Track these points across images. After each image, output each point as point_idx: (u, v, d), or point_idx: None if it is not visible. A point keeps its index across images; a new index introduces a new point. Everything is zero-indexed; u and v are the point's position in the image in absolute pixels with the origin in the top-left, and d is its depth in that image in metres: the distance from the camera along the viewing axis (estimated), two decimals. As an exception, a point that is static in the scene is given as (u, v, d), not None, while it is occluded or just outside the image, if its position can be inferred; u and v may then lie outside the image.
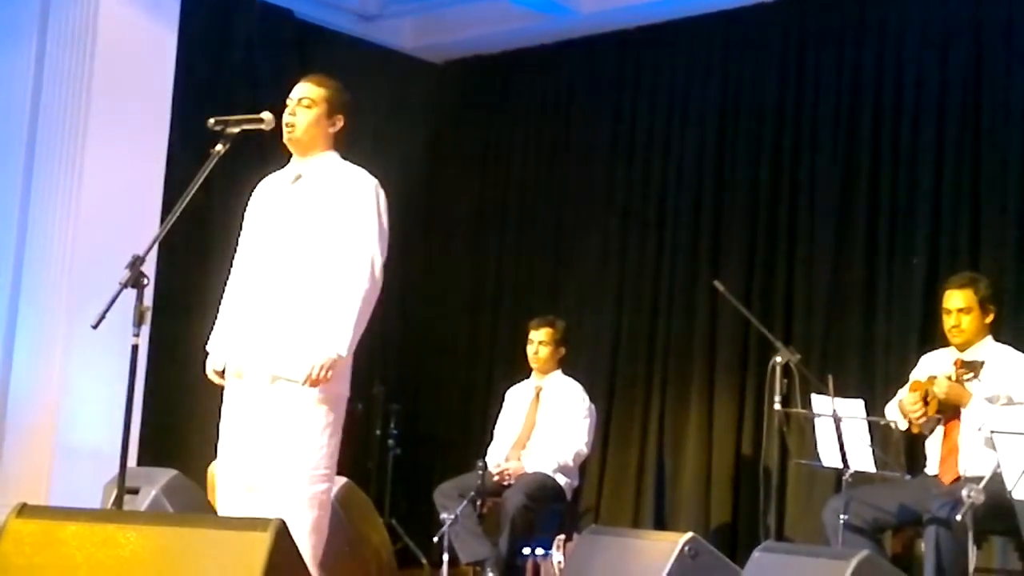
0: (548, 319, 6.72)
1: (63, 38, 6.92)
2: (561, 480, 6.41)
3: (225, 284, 4.43)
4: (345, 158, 4.40)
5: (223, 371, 4.30)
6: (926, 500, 5.04)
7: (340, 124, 4.37)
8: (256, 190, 4.47)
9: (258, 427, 4.16)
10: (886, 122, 6.95)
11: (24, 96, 7.01)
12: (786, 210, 7.25)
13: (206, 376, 4.35)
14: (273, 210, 4.33)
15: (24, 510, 3.31)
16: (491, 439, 6.78)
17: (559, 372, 6.73)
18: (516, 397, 6.81)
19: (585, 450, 6.56)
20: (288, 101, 4.35)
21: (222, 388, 4.33)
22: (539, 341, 6.66)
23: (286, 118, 4.31)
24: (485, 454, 6.57)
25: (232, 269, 4.42)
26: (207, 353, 4.35)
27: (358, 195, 4.25)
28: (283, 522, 3.10)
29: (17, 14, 7.12)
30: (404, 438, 7.65)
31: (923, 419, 5.29)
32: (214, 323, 4.40)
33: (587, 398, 6.63)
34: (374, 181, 4.31)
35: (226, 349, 4.28)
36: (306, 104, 4.32)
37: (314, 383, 4.07)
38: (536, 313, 6.91)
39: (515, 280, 8.33)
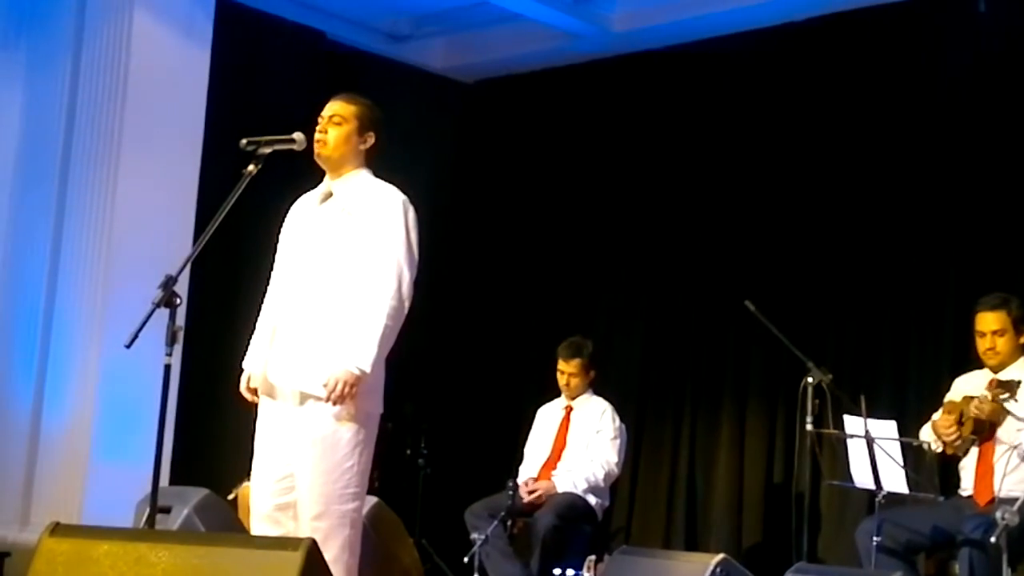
0: (575, 346, 6.67)
1: (96, 59, 6.99)
2: (592, 500, 6.39)
3: (260, 303, 4.45)
4: (377, 175, 4.40)
5: (256, 389, 4.31)
6: (960, 522, 5.00)
7: (371, 141, 4.36)
8: (291, 210, 4.49)
9: (289, 446, 4.17)
10: (916, 139, 6.93)
11: (58, 117, 7.08)
12: (818, 229, 7.23)
13: (238, 395, 4.36)
14: (304, 229, 4.34)
15: (57, 529, 3.33)
16: (521, 458, 6.77)
17: (590, 391, 6.72)
18: (547, 416, 6.80)
19: (616, 470, 6.54)
20: (319, 119, 4.37)
21: (255, 407, 4.34)
22: (570, 373, 6.64)
23: (317, 135, 4.32)
24: (516, 474, 6.56)
25: (267, 288, 4.43)
26: (242, 371, 4.36)
27: (386, 211, 4.25)
28: (314, 541, 3.11)
29: (51, 36, 7.20)
30: (434, 457, 7.65)
31: (958, 440, 5.26)
32: (248, 342, 4.42)
33: (617, 418, 6.62)
34: (403, 197, 4.30)
35: (259, 368, 4.29)
36: (336, 121, 4.33)
37: (338, 399, 4.06)
38: (566, 333, 6.89)
39: (545, 299, 8.33)
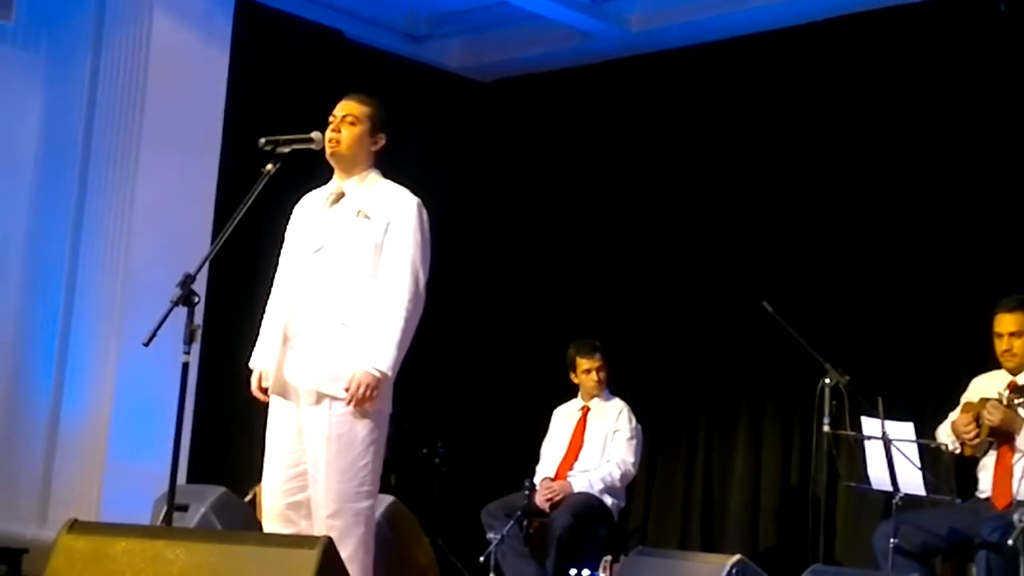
0: (590, 344, 6.69)
1: (116, 59, 7.02)
2: (608, 501, 6.39)
3: (267, 301, 4.45)
4: (387, 176, 4.41)
5: (267, 388, 4.31)
6: (977, 524, 4.98)
7: (382, 142, 4.39)
8: (297, 207, 4.49)
9: (302, 445, 4.18)
10: (935, 140, 6.91)
11: (78, 116, 7.11)
12: (836, 230, 7.21)
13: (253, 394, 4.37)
14: (317, 230, 4.34)
15: (75, 526, 3.34)
16: (538, 458, 6.77)
17: (606, 391, 6.72)
18: (563, 417, 6.80)
19: (632, 471, 6.54)
20: (331, 118, 4.37)
21: (268, 406, 4.35)
22: (597, 368, 6.65)
23: (329, 134, 4.32)
24: (532, 474, 6.56)
25: (273, 286, 4.43)
26: (250, 371, 4.37)
27: (401, 214, 4.27)
28: (330, 539, 3.11)
29: (71, 36, 7.23)
30: (451, 457, 7.66)
31: (976, 441, 5.24)
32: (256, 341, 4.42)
33: (634, 418, 6.62)
34: (416, 200, 4.32)
35: (271, 367, 4.30)
36: (350, 121, 4.34)
37: (359, 402, 4.08)
38: (583, 332, 6.89)
39: (562, 298, 8.32)
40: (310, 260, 4.29)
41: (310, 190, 4.54)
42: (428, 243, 4.29)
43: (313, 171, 4.65)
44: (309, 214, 4.41)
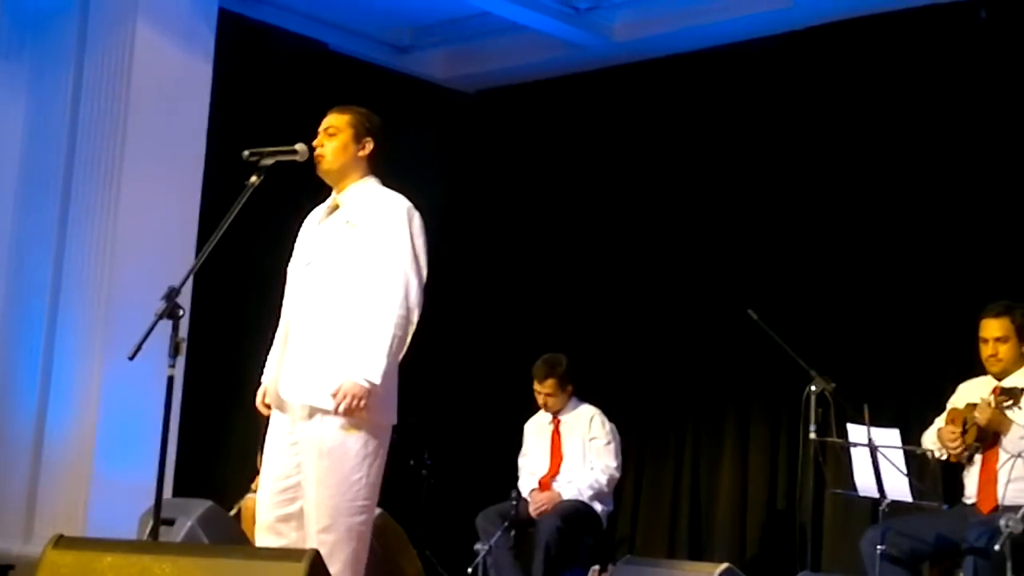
0: (548, 364, 6.62)
1: (99, 70, 7.01)
2: (597, 507, 6.38)
3: (265, 315, 4.43)
4: (386, 184, 4.37)
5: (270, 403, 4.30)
6: (964, 530, 5.00)
7: (370, 147, 4.32)
8: (304, 223, 4.47)
9: (296, 458, 4.16)
10: (918, 147, 6.94)
11: (61, 127, 7.10)
12: (821, 237, 7.23)
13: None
14: (311, 243, 4.33)
15: (61, 541, 3.33)
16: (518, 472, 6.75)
17: (574, 400, 6.68)
18: (535, 430, 6.77)
19: (617, 474, 6.53)
20: (317, 134, 4.36)
21: (259, 420, 4.33)
22: (546, 393, 6.61)
23: (316, 151, 4.30)
24: (517, 488, 6.54)
25: (282, 303, 4.42)
26: (259, 385, 4.35)
27: (390, 220, 4.21)
28: (317, 553, 3.11)
29: (54, 47, 7.22)
30: (438, 468, 7.64)
31: (962, 451, 5.25)
32: (259, 355, 4.41)
33: (607, 421, 6.58)
34: (407, 204, 4.26)
35: (271, 382, 4.29)
36: (331, 132, 4.30)
37: (346, 412, 4.04)
38: (568, 342, 6.88)
39: (547, 308, 8.32)
40: (305, 275, 4.28)
41: (297, 202, 4.53)
42: (421, 247, 4.22)
43: (302, 183, 4.64)
44: (309, 229, 4.39)
